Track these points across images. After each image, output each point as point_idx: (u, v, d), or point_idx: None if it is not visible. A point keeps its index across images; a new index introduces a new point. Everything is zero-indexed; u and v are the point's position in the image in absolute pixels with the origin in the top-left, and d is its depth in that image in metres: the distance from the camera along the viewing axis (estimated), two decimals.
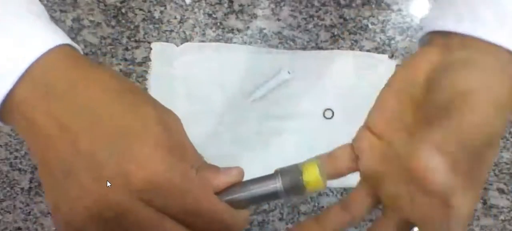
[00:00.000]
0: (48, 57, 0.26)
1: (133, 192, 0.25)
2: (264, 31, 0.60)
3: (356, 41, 0.60)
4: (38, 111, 0.25)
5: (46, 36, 0.27)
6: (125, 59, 0.59)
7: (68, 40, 0.28)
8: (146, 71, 0.59)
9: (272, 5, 0.60)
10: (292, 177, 0.29)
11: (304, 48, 0.60)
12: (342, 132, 0.60)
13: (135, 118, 0.26)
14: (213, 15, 0.60)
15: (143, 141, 0.25)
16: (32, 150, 0.26)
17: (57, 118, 0.25)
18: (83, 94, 0.26)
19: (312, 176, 0.29)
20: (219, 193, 0.29)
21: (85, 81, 0.26)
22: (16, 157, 0.59)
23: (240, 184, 0.30)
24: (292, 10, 0.60)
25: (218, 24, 0.60)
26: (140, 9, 0.60)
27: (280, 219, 0.59)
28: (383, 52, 0.60)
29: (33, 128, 0.25)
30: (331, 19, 0.60)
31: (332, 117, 0.60)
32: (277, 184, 0.29)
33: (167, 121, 0.29)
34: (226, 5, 0.60)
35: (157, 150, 0.25)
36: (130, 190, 0.25)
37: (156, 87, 0.59)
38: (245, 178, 0.31)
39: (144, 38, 0.60)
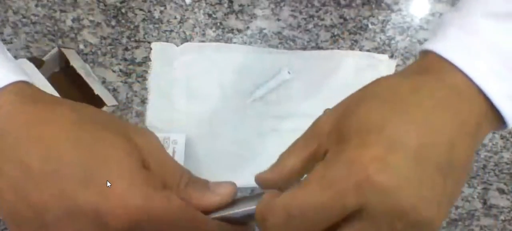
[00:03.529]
0: None
1: None
2: (264, 31, 0.60)
3: (356, 41, 0.60)
4: None
5: None
6: (125, 59, 0.59)
7: (24, 77, 0.26)
8: (146, 71, 0.59)
9: (272, 5, 0.60)
10: None
11: (304, 48, 0.60)
12: None
13: (103, 153, 0.23)
14: (213, 15, 0.60)
15: (115, 176, 0.23)
16: None
17: (20, 160, 0.22)
18: (42, 134, 0.23)
19: None
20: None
21: (41, 120, 0.24)
22: None
23: (234, 200, 0.29)
24: (292, 10, 0.60)
25: (218, 24, 0.60)
26: (140, 9, 0.60)
27: None
28: (383, 52, 0.60)
29: None
30: (331, 19, 0.60)
31: None
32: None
33: (140, 145, 0.25)
34: (226, 5, 0.60)
35: (132, 184, 0.23)
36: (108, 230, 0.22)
37: (156, 87, 0.59)
38: (243, 179, 0.30)
39: (144, 38, 0.60)
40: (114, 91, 0.59)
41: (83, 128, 0.24)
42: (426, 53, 0.27)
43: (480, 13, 0.25)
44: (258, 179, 0.29)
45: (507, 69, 0.24)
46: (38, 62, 0.53)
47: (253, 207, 0.27)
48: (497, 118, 0.25)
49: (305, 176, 0.29)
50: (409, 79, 0.25)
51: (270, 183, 0.29)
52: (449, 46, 0.25)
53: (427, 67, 0.26)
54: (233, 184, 0.29)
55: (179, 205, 0.25)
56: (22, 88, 0.25)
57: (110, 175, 0.23)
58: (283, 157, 0.29)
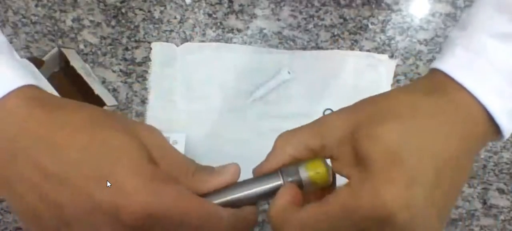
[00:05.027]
0: (6, 102, 0.24)
1: (127, 228, 0.23)
2: (264, 31, 0.60)
3: (356, 41, 0.60)
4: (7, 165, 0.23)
5: (3, 79, 0.24)
6: (125, 59, 0.59)
7: (30, 80, 0.26)
8: (146, 71, 0.59)
9: (272, 5, 0.60)
10: (295, 175, 0.29)
11: (304, 48, 0.60)
12: None
13: (113, 152, 0.24)
14: (213, 15, 0.60)
15: (126, 174, 0.24)
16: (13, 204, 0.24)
17: (37, 164, 0.23)
18: (54, 138, 0.24)
19: (319, 169, 0.29)
20: (220, 192, 0.29)
21: (51, 124, 0.24)
22: None
23: (241, 183, 0.30)
24: (292, 10, 0.60)
25: (218, 24, 0.60)
26: (140, 9, 0.60)
27: None
28: (383, 52, 0.60)
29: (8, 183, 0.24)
30: (331, 19, 0.60)
31: None
32: (280, 182, 0.29)
33: (147, 142, 0.26)
34: (226, 5, 0.60)
35: (143, 180, 0.24)
36: (123, 226, 0.23)
37: (156, 87, 0.59)
38: (243, 178, 0.31)
39: (144, 38, 0.60)
40: (114, 91, 0.59)
41: (93, 129, 0.25)
42: (435, 72, 0.28)
43: (486, 34, 0.27)
44: (257, 173, 0.31)
45: (510, 87, 0.26)
46: (38, 62, 0.53)
47: (256, 189, 0.29)
48: (496, 131, 0.27)
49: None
50: (425, 101, 0.26)
51: (268, 172, 0.30)
52: (456, 66, 0.27)
53: (437, 86, 0.27)
54: (236, 164, 0.30)
55: (189, 197, 0.26)
56: (28, 91, 0.25)
57: (122, 173, 0.24)
58: (280, 144, 0.30)
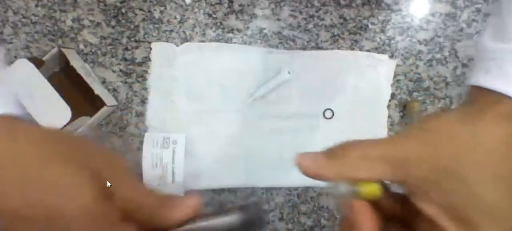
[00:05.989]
0: None
1: None
2: (264, 31, 0.60)
3: (356, 41, 0.60)
4: None
5: None
6: (125, 59, 0.59)
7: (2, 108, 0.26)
8: (146, 71, 0.59)
9: (272, 5, 0.60)
10: (252, 212, 0.29)
11: (304, 48, 0.60)
12: (342, 132, 0.61)
13: (63, 191, 0.25)
14: (213, 15, 0.60)
15: (75, 214, 0.25)
16: None
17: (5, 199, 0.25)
18: (10, 174, 0.25)
19: (376, 192, 0.27)
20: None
21: (7, 158, 0.25)
22: None
23: (200, 215, 0.29)
24: (292, 10, 0.60)
25: (218, 24, 0.60)
26: (140, 9, 0.60)
27: (280, 219, 0.59)
28: (383, 52, 0.60)
29: None
30: (331, 19, 0.60)
31: (332, 117, 0.60)
32: (236, 217, 0.29)
33: (105, 176, 0.27)
34: (226, 5, 0.60)
35: (89, 220, 0.25)
36: None
37: (156, 87, 0.59)
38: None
39: (144, 38, 0.60)
40: (114, 91, 0.59)
41: (47, 165, 0.25)
42: (482, 90, 0.28)
43: None
44: (305, 160, 0.28)
45: None
46: (38, 62, 0.53)
47: (219, 220, 0.28)
48: None
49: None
50: (500, 146, 0.25)
51: (319, 171, 0.27)
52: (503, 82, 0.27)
53: (496, 112, 0.26)
54: (198, 196, 0.29)
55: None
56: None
57: (71, 214, 0.25)
58: (354, 156, 0.27)
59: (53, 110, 0.51)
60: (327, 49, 0.60)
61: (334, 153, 0.27)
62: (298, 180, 0.58)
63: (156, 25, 0.59)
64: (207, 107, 0.59)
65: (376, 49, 0.60)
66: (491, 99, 0.27)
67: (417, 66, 0.61)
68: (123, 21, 0.59)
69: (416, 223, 0.27)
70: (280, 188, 0.59)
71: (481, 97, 0.27)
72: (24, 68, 0.51)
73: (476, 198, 0.24)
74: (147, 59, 0.59)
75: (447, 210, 0.25)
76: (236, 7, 0.60)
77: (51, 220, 0.24)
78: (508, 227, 0.24)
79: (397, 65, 0.60)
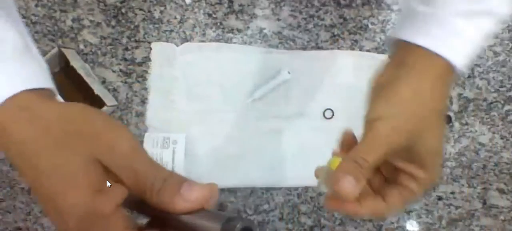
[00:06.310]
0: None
1: None
2: (264, 31, 0.60)
3: (356, 41, 0.60)
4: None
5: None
6: (125, 59, 0.59)
7: (20, 86, 0.29)
8: (146, 71, 0.59)
9: (272, 5, 0.60)
10: (229, 226, 0.27)
11: (304, 48, 0.60)
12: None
13: (64, 174, 0.27)
14: (213, 15, 0.60)
15: (70, 193, 0.26)
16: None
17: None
18: (30, 147, 0.27)
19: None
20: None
21: (31, 138, 0.27)
22: None
23: (200, 211, 0.28)
24: (292, 10, 0.60)
25: (218, 24, 0.60)
26: (140, 9, 0.60)
27: (280, 219, 0.59)
28: (383, 52, 0.60)
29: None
30: (331, 19, 0.60)
31: (332, 117, 0.60)
32: (215, 226, 0.27)
33: (105, 161, 0.28)
34: (226, 5, 0.60)
35: (79, 201, 0.26)
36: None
37: (156, 87, 0.59)
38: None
39: (144, 38, 0.60)
40: (114, 91, 0.59)
41: (53, 153, 0.27)
42: (410, 45, 0.36)
43: (454, 13, 0.34)
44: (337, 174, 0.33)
45: (471, 50, 0.35)
46: None
47: (213, 225, 0.27)
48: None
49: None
50: (439, 104, 0.35)
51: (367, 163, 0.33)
52: (435, 42, 0.34)
53: (426, 67, 0.35)
54: (208, 188, 0.28)
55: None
56: (18, 100, 0.28)
57: (68, 192, 0.26)
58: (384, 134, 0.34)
59: None
60: (327, 49, 0.60)
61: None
62: (298, 180, 0.58)
63: (156, 25, 0.60)
64: (207, 108, 0.59)
65: (376, 49, 0.60)
66: (424, 58, 0.35)
67: None
68: (123, 21, 0.59)
69: (390, 173, 0.36)
70: (280, 188, 0.59)
71: (412, 52, 0.36)
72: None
73: (427, 146, 0.33)
74: (147, 59, 0.59)
75: (410, 160, 0.34)
76: (236, 7, 0.60)
77: (51, 204, 0.27)
78: (441, 161, 0.29)
79: None
